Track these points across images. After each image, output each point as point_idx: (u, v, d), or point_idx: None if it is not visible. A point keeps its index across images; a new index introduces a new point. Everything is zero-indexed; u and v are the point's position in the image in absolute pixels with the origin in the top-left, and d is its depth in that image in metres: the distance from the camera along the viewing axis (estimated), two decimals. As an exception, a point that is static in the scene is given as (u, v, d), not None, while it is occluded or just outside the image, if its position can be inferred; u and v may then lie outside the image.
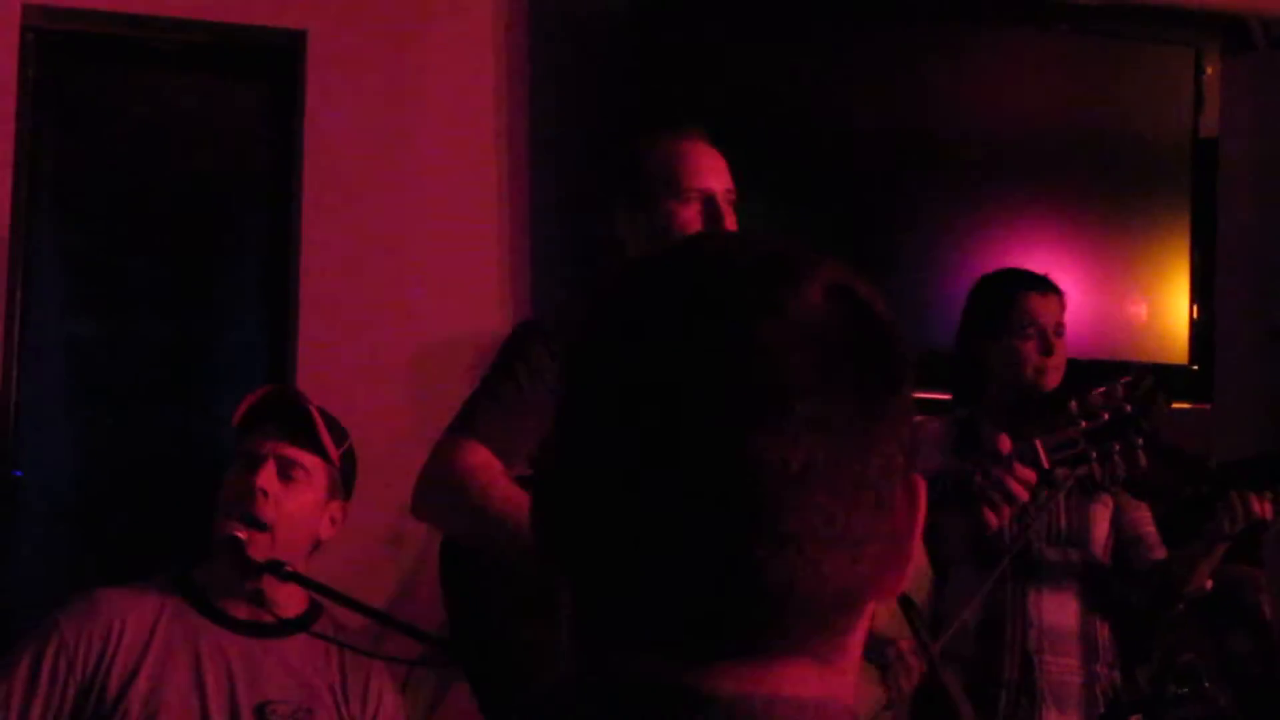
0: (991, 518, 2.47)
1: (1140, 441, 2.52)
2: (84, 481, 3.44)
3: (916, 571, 2.94)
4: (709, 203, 2.44)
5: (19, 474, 3.32)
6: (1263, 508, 2.75)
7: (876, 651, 2.80)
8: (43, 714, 2.20)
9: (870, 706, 3.01)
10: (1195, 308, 3.88)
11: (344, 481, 2.44)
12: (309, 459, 2.37)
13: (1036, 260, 3.17)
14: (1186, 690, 2.88)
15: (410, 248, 3.43)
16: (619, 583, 0.77)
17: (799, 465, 0.74)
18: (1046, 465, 2.52)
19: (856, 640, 0.81)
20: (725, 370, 0.74)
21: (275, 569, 2.31)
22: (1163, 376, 3.69)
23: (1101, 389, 2.53)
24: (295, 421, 2.37)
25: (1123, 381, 2.55)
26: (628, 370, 0.77)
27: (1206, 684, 2.88)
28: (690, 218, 2.43)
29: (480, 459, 2.19)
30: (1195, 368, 3.86)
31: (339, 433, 2.45)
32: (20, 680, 2.21)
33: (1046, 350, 2.90)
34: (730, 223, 2.47)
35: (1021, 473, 2.47)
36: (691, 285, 0.78)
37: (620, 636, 0.78)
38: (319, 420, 2.37)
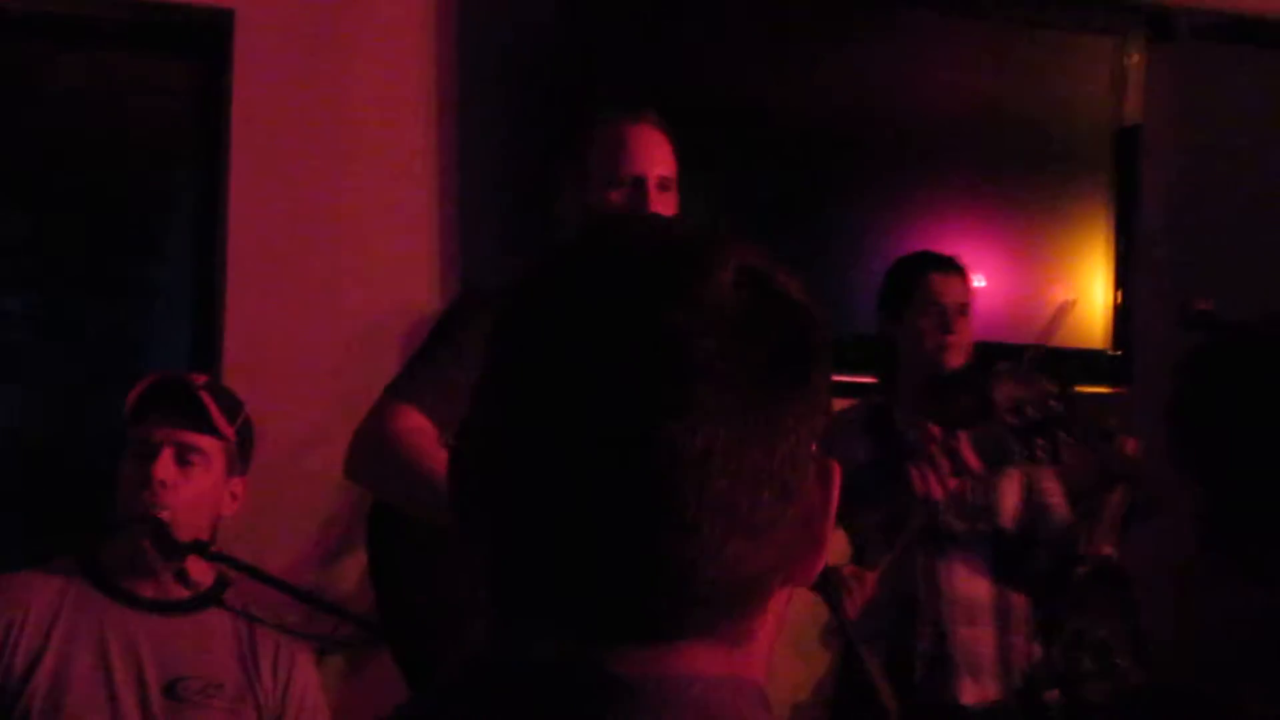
0: (920, 484, 2.51)
1: (1066, 438, 2.57)
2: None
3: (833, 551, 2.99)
4: (636, 187, 2.46)
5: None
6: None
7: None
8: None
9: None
10: (1118, 294, 3.94)
11: (241, 455, 2.42)
12: (206, 441, 2.35)
13: (959, 246, 3.21)
14: (1099, 666, 2.94)
15: (340, 226, 3.42)
16: (527, 558, 0.78)
17: (698, 451, 0.74)
18: (973, 463, 2.56)
19: (764, 625, 0.82)
20: (630, 356, 0.75)
21: (201, 549, 2.31)
22: (1084, 361, 3.79)
23: (1006, 364, 2.57)
24: (187, 406, 2.36)
25: (1047, 382, 2.60)
26: (539, 353, 0.78)
27: (1118, 661, 2.94)
28: (619, 204, 2.45)
29: (414, 423, 2.20)
30: (1117, 353, 3.92)
31: (233, 407, 2.42)
32: None
33: (945, 327, 2.92)
34: (660, 207, 2.48)
35: (944, 466, 2.52)
36: (603, 272, 0.79)
37: (528, 611, 0.79)
38: (210, 403, 2.36)
